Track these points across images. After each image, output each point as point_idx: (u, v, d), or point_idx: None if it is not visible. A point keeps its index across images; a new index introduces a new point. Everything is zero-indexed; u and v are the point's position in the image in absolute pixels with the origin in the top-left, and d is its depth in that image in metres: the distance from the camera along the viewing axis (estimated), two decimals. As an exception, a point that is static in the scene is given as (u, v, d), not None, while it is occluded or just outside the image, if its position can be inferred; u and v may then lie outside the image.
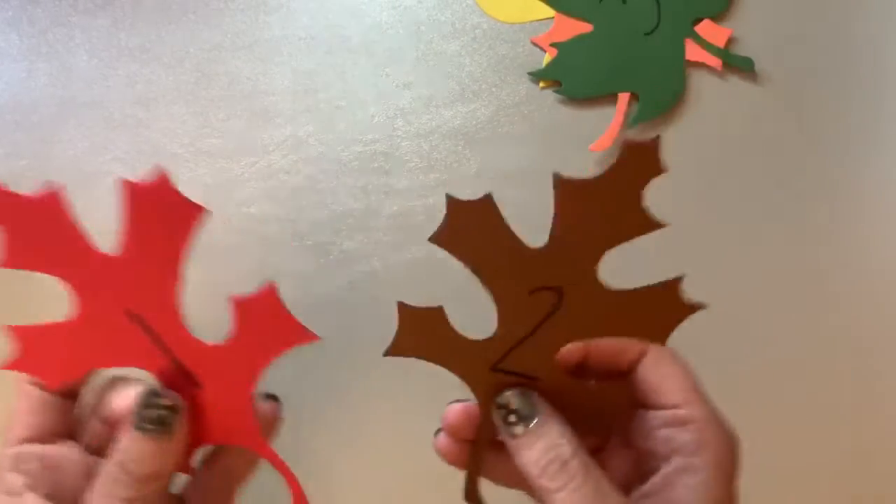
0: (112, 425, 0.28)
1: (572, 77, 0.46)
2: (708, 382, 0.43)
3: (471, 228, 0.28)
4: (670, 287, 0.29)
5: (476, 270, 0.28)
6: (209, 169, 0.46)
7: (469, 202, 0.28)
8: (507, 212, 0.45)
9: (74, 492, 0.28)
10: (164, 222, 0.28)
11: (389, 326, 0.44)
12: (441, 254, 0.47)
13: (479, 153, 0.46)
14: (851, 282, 0.44)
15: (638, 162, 0.27)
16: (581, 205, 0.27)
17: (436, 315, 0.29)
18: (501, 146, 0.46)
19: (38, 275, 0.29)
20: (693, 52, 0.46)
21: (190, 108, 0.46)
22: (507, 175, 0.45)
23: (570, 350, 0.28)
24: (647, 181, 0.28)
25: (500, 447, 0.28)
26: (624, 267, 0.45)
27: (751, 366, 0.44)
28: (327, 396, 0.44)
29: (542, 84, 0.46)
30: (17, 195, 0.28)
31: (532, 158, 0.46)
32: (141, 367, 0.29)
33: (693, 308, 0.29)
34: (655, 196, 0.46)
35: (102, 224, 0.46)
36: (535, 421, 0.26)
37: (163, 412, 0.27)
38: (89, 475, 0.28)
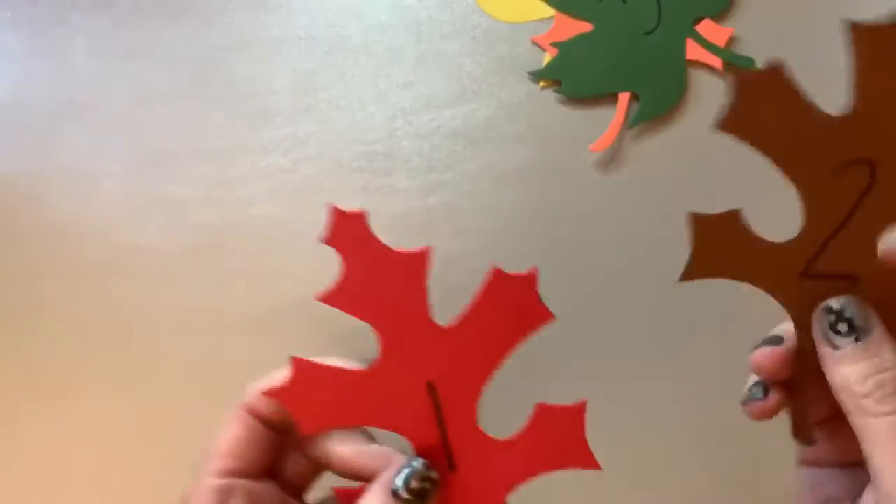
0: (319, 466, 0.28)
1: (572, 77, 0.46)
2: (709, 383, 0.44)
3: (762, 105, 0.24)
4: None
5: (772, 154, 0.25)
6: (209, 169, 0.46)
7: (760, 74, 0.24)
8: (507, 212, 0.45)
9: None
10: (513, 315, 0.27)
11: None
12: (442, 253, 0.47)
13: (479, 153, 0.46)
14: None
15: None
16: (886, 56, 0.23)
17: (733, 221, 0.25)
18: (501, 146, 0.46)
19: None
20: (694, 51, 0.45)
21: (190, 107, 0.46)
22: (507, 175, 0.45)
23: None
24: None
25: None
26: (627, 265, 0.45)
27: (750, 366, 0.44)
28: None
29: (542, 84, 0.46)
30: (380, 244, 0.27)
31: (532, 158, 0.46)
32: (406, 436, 0.28)
33: None
34: (656, 196, 0.46)
35: (103, 223, 0.46)
36: (870, 335, 0.24)
37: (427, 486, 0.26)
38: None
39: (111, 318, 0.45)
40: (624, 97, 0.45)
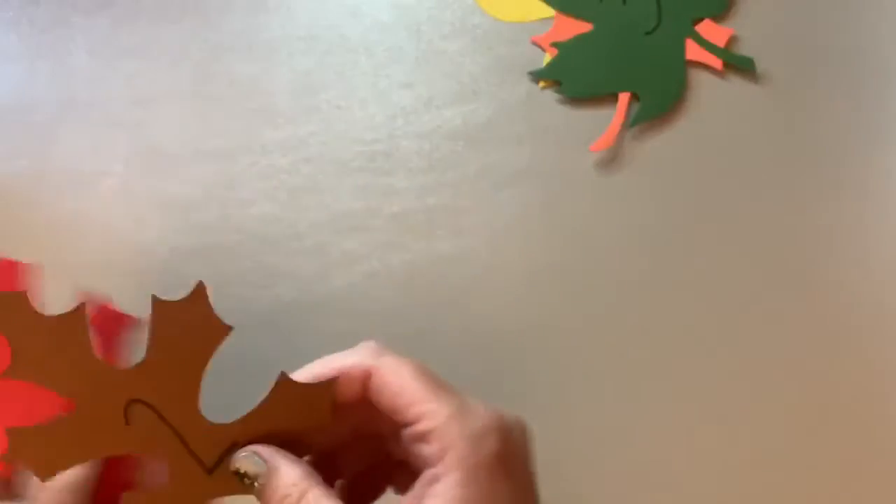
0: None
1: (572, 77, 0.46)
2: (710, 382, 0.44)
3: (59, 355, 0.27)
4: (286, 385, 0.28)
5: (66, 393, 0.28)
6: (209, 169, 0.46)
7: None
8: (507, 212, 0.45)
9: None
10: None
11: (390, 326, 0.44)
12: (442, 253, 0.47)
13: (479, 153, 0.46)
14: (854, 282, 0.44)
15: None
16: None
17: None
18: (501, 146, 0.46)
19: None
20: (693, 51, 0.45)
21: (190, 107, 0.46)
22: (507, 175, 0.45)
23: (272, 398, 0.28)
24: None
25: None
26: (627, 266, 0.45)
27: (751, 367, 0.44)
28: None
29: (542, 84, 0.46)
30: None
31: (532, 158, 0.46)
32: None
33: (328, 386, 0.28)
34: (656, 196, 0.46)
35: (103, 223, 0.46)
36: (263, 477, 0.27)
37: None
38: None
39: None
40: (624, 97, 0.45)
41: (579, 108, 0.46)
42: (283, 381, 0.28)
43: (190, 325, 0.28)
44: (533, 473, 0.27)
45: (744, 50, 0.46)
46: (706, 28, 0.46)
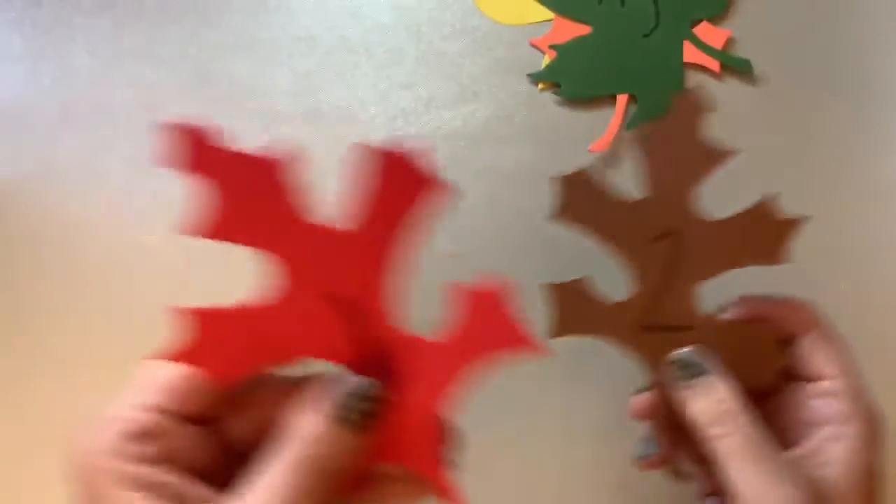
0: (263, 427, 0.25)
1: (571, 78, 0.46)
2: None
3: (581, 199, 0.29)
4: (765, 208, 0.32)
5: (598, 235, 0.30)
6: (210, 169, 0.46)
7: (569, 176, 0.29)
8: (507, 212, 0.45)
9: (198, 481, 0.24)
10: (397, 195, 0.23)
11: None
12: (442, 253, 0.47)
13: (479, 153, 0.46)
14: (853, 283, 0.45)
15: (689, 106, 0.29)
16: (662, 150, 0.29)
17: (580, 287, 0.30)
18: (501, 147, 0.46)
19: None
20: (691, 53, 0.46)
21: (190, 108, 0.47)
22: (507, 175, 0.46)
23: (736, 312, 0.31)
24: (702, 120, 0.30)
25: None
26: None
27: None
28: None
29: (541, 85, 0.46)
30: (239, 153, 0.23)
31: (532, 159, 0.46)
32: (331, 360, 0.25)
33: (796, 223, 0.31)
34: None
35: (105, 223, 0.46)
36: (707, 375, 0.29)
37: (372, 405, 0.24)
38: (216, 471, 0.25)
39: (111, 318, 0.45)
40: (622, 99, 0.46)
41: (578, 110, 0.46)
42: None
43: (678, 147, 0.29)
44: None
45: (741, 52, 0.46)
46: (704, 30, 0.46)
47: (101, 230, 0.46)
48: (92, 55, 0.47)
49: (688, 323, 0.29)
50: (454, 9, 0.47)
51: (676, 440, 0.32)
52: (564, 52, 0.46)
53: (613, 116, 0.46)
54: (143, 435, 0.24)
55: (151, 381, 0.25)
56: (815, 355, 0.30)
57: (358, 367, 0.25)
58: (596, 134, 0.45)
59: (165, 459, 0.24)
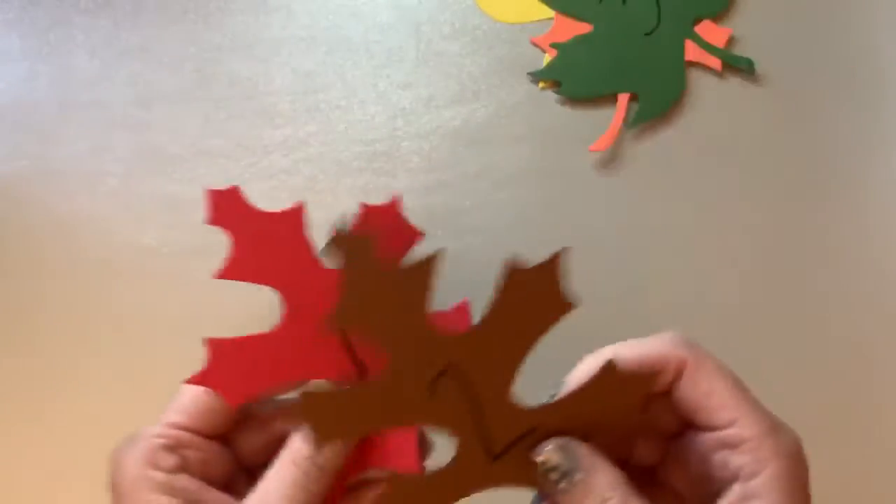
0: (277, 442, 0.28)
1: (572, 77, 0.46)
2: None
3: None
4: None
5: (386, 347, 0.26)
6: (210, 169, 0.46)
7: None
8: (507, 212, 0.45)
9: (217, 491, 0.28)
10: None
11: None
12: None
13: (479, 153, 0.46)
14: (853, 282, 0.45)
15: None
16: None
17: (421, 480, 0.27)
18: (501, 146, 0.46)
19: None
20: (693, 52, 0.46)
21: (190, 108, 0.47)
22: (507, 175, 0.46)
23: (575, 384, 0.27)
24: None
25: None
26: (626, 266, 0.46)
27: (750, 367, 0.44)
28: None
29: (541, 84, 0.46)
30: (258, 211, 0.28)
31: (532, 158, 0.46)
32: (332, 378, 0.29)
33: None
34: (655, 196, 0.46)
35: (104, 223, 0.46)
36: (578, 473, 0.25)
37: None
38: (232, 481, 0.29)
39: (111, 318, 0.45)
40: (623, 98, 0.45)
41: (579, 109, 0.46)
42: (609, 367, 0.26)
43: (535, 295, 0.26)
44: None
45: (743, 50, 0.46)
46: (705, 29, 0.46)
47: (100, 230, 0.46)
48: (91, 55, 0.47)
49: (529, 426, 0.26)
50: (454, 8, 0.47)
51: None
52: (565, 50, 0.46)
53: (614, 116, 0.45)
54: (170, 448, 0.28)
55: (178, 403, 0.30)
56: (700, 399, 0.26)
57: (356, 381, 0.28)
58: (596, 133, 0.45)
59: (188, 469, 0.28)
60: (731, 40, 0.46)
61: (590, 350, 0.44)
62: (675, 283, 0.45)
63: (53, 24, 0.47)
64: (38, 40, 0.47)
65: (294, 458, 0.27)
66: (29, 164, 0.46)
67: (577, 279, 0.45)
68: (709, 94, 0.46)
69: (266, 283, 0.28)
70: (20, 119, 0.46)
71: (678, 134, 0.46)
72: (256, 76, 0.47)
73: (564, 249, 0.26)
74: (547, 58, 0.46)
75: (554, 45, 0.46)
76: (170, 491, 0.27)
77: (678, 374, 0.26)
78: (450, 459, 0.26)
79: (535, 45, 0.46)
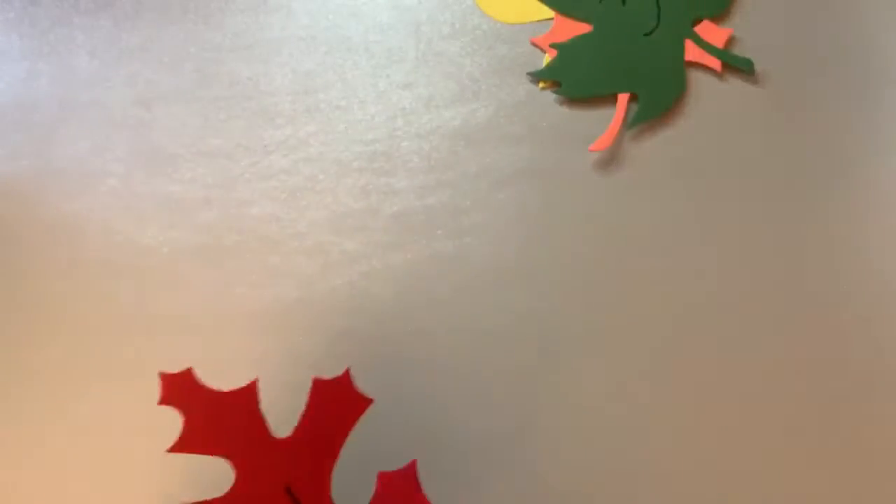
0: None
1: (572, 77, 0.46)
2: (709, 384, 0.44)
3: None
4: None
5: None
6: (209, 169, 0.46)
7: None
8: (507, 212, 0.45)
9: None
10: (335, 411, 0.32)
11: (391, 326, 0.44)
12: (442, 253, 0.47)
13: (479, 153, 0.46)
14: (853, 283, 0.45)
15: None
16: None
17: None
18: (501, 146, 0.46)
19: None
20: (693, 52, 0.46)
21: (190, 108, 0.47)
22: (507, 175, 0.46)
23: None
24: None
25: None
26: (626, 266, 0.46)
27: (750, 367, 0.44)
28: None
29: (541, 84, 0.46)
30: (209, 391, 0.32)
31: (532, 158, 0.46)
32: None
33: None
34: (655, 196, 0.46)
35: (104, 223, 0.46)
36: None
37: None
38: None
39: (111, 318, 0.45)
40: (623, 98, 0.45)
41: (579, 109, 0.46)
42: None
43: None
44: None
45: (743, 51, 0.46)
46: (705, 29, 0.46)
47: (100, 230, 0.46)
48: (91, 55, 0.47)
49: None
50: (454, 8, 0.47)
51: None
52: (565, 50, 0.46)
53: (614, 116, 0.45)
54: None
55: None
56: None
57: None
58: (596, 133, 0.45)
59: None
60: (731, 40, 0.46)
61: (590, 350, 0.44)
62: (675, 282, 0.45)
63: (53, 24, 0.47)
64: (38, 40, 0.47)
65: None
66: (29, 164, 0.46)
67: (577, 279, 0.45)
68: (709, 94, 0.46)
69: (217, 455, 0.31)
70: (20, 119, 0.46)
71: (678, 134, 0.46)
72: (256, 76, 0.47)
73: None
74: (547, 58, 0.46)
75: (554, 45, 0.46)
76: None
77: None
78: None
79: (535, 45, 0.46)
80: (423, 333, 0.44)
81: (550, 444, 0.43)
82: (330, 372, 0.44)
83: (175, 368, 0.44)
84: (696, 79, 0.46)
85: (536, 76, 0.46)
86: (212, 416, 0.31)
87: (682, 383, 0.43)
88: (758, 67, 0.46)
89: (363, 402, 0.33)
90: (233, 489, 0.31)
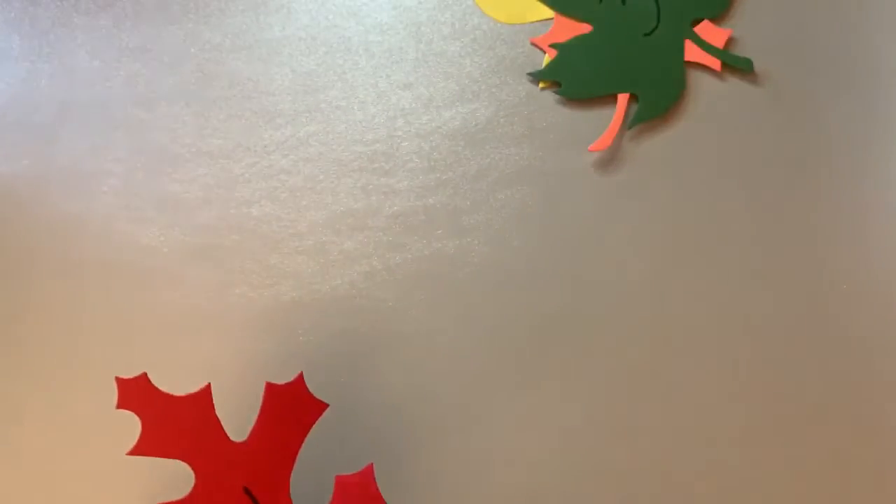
0: None
1: (571, 78, 0.46)
2: (710, 383, 0.44)
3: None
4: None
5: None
6: (210, 169, 0.46)
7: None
8: (507, 212, 0.45)
9: None
10: (290, 416, 0.33)
11: (390, 326, 0.44)
12: (441, 253, 0.47)
13: (479, 153, 0.46)
14: (853, 283, 0.45)
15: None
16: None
17: None
18: (501, 146, 0.46)
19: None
20: (692, 52, 0.46)
21: (191, 108, 0.47)
22: (507, 175, 0.46)
23: None
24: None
25: None
26: (626, 266, 0.46)
27: (750, 367, 0.44)
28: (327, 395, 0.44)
29: (541, 85, 0.46)
30: (164, 395, 0.33)
31: (532, 158, 0.46)
32: None
33: None
34: (655, 196, 0.46)
35: (104, 223, 0.46)
36: None
37: None
38: None
39: (111, 318, 0.45)
40: (623, 98, 0.45)
41: (578, 109, 0.46)
42: None
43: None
44: None
45: (742, 51, 0.46)
46: (705, 29, 0.46)
47: (100, 230, 0.46)
48: (91, 55, 0.47)
49: None
50: (454, 8, 0.47)
51: None
52: (565, 51, 0.46)
53: (614, 116, 0.45)
54: None
55: None
56: None
57: None
58: (596, 133, 0.45)
59: None
60: (730, 40, 0.46)
61: (590, 350, 0.44)
62: (675, 282, 0.45)
63: (54, 24, 0.47)
64: (38, 40, 0.47)
65: None
66: (29, 164, 0.46)
67: (577, 279, 0.45)
68: (708, 94, 0.46)
69: (175, 458, 0.32)
70: (20, 118, 0.46)
71: (677, 134, 0.46)
72: (256, 76, 0.47)
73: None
74: (547, 58, 0.46)
75: (554, 46, 0.46)
76: None
77: None
78: None
79: (535, 45, 0.46)
80: (423, 333, 0.44)
81: (551, 444, 0.43)
82: (330, 372, 0.44)
83: (174, 368, 0.44)
84: (696, 79, 0.46)
85: (536, 76, 0.46)
86: (168, 420, 0.33)
87: (682, 381, 0.43)
88: (757, 67, 0.46)
89: (318, 407, 0.34)
90: (193, 491, 0.33)
